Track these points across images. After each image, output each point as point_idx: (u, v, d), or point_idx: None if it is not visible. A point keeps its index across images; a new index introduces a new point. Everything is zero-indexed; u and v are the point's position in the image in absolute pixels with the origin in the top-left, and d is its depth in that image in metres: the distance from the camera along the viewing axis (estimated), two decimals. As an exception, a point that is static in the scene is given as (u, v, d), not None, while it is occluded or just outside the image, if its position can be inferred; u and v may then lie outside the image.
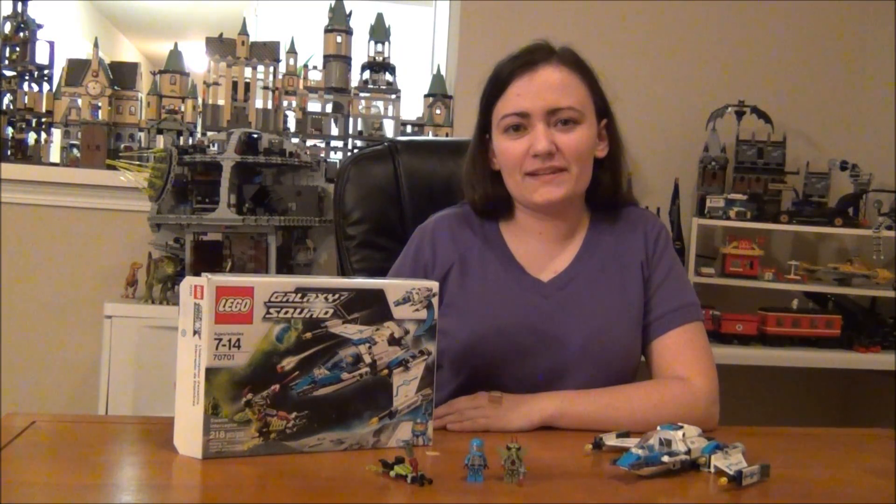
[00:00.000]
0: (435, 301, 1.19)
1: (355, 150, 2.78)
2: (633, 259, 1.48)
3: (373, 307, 1.15)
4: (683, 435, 1.12)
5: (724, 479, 1.06)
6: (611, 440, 1.18)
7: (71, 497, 0.94)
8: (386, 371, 1.16)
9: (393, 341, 1.16)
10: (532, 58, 1.42)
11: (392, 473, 1.02)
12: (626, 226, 1.51)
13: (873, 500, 1.10)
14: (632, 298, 1.46)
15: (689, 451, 1.10)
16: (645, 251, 1.49)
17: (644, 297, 1.47)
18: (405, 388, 1.17)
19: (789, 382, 2.98)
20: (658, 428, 1.12)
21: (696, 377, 1.39)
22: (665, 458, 1.08)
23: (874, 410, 2.95)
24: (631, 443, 1.14)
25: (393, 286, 1.17)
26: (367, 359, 1.14)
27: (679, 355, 1.42)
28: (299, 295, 1.10)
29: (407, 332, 1.17)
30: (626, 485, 1.05)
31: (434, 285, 1.19)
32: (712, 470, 1.09)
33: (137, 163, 2.61)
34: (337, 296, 1.12)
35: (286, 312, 1.09)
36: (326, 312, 1.12)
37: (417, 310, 1.18)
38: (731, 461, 1.08)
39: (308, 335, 1.11)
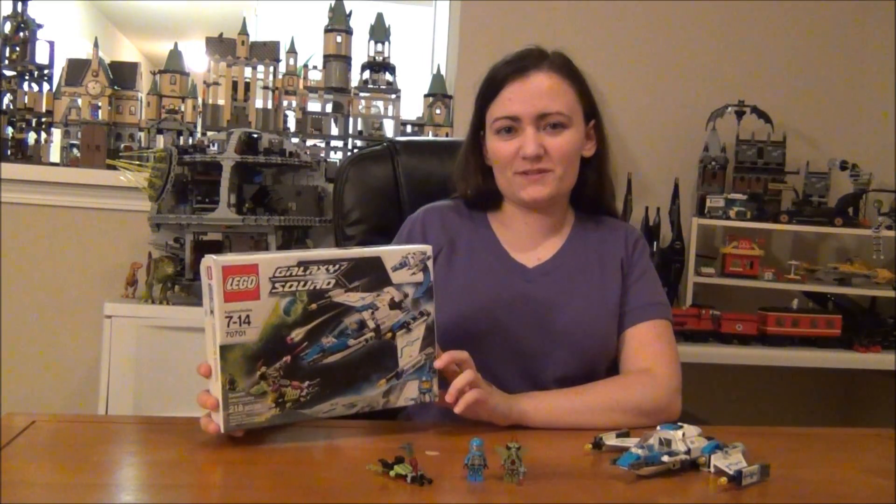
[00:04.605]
0: (430, 263, 1.24)
1: (355, 150, 2.78)
2: (614, 256, 1.56)
3: (372, 274, 1.19)
4: (683, 435, 1.12)
5: (724, 479, 1.06)
6: (611, 440, 1.19)
7: (71, 497, 0.95)
8: (390, 334, 1.20)
9: (394, 305, 1.20)
10: (524, 63, 1.49)
11: (392, 473, 1.02)
12: (608, 228, 1.60)
13: (873, 500, 1.10)
14: (610, 293, 1.52)
15: (689, 451, 1.10)
16: (625, 250, 1.57)
17: (620, 292, 1.53)
18: (409, 349, 1.22)
19: (789, 382, 2.98)
20: (658, 427, 1.13)
21: (659, 368, 1.45)
22: (665, 458, 1.08)
23: (874, 410, 2.95)
24: (631, 442, 1.14)
25: (389, 252, 1.21)
26: (371, 324, 1.19)
27: (646, 346, 1.49)
28: (302, 268, 1.14)
29: (406, 296, 1.21)
30: (626, 485, 1.05)
31: (428, 248, 1.24)
32: (712, 470, 1.09)
33: (137, 163, 2.61)
34: (337, 266, 1.16)
35: (291, 286, 1.13)
36: (329, 283, 1.15)
37: (414, 273, 1.22)
38: (731, 461, 1.08)
39: (313, 306, 1.15)
